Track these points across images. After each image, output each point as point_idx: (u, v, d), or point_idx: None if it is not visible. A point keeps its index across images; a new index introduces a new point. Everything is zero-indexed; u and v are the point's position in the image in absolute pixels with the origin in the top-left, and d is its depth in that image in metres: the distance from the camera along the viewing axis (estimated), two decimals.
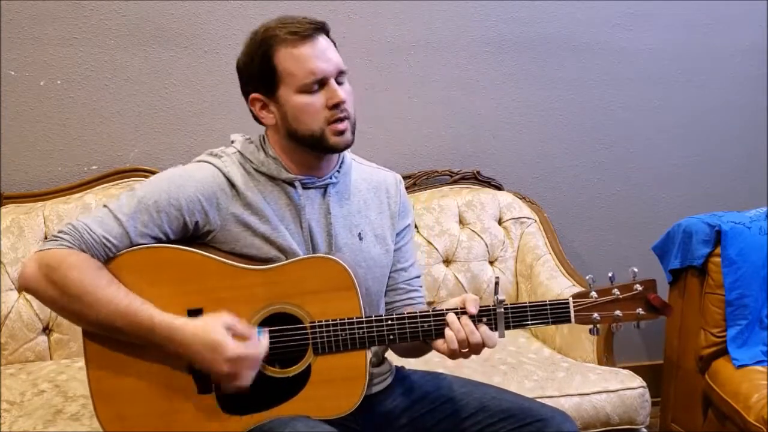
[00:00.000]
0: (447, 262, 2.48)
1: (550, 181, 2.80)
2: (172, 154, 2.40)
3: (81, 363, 2.01)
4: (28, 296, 2.10)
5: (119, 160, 2.37)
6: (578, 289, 2.35)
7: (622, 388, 2.01)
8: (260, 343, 1.29)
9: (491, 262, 2.52)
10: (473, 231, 2.51)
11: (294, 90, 1.34)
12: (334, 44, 1.40)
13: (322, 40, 1.36)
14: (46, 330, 2.13)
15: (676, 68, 2.87)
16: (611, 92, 2.82)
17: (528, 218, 2.58)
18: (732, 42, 2.90)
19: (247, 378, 1.27)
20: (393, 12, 2.54)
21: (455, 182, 2.64)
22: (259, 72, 1.37)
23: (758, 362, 2.14)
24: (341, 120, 1.36)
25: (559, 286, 2.38)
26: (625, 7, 2.77)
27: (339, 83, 1.37)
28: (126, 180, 2.32)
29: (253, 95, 1.40)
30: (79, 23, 2.30)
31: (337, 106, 1.35)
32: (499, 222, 2.57)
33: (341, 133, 1.36)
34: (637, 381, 2.03)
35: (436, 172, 2.64)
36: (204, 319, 1.29)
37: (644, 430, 2.09)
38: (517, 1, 2.67)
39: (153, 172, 2.30)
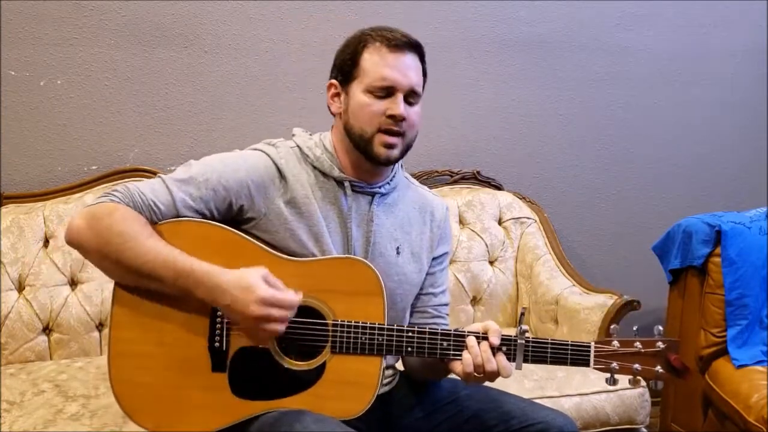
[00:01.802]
0: None
1: (550, 181, 2.80)
2: (172, 154, 2.41)
3: (81, 363, 2.03)
4: (29, 296, 2.10)
5: (119, 160, 2.37)
6: (578, 288, 2.36)
7: (621, 388, 1.99)
8: (294, 294, 1.30)
9: (491, 262, 2.52)
10: (473, 231, 2.52)
11: (362, 88, 1.39)
12: (424, 73, 1.44)
13: (408, 57, 1.40)
14: (46, 330, 2.12)
15: (676, 68, 2.87)
16: (611, 92, 2.82)
17: (528, 218, 2.59)
18: (732, 42, 2.90)
19: (277, 324, 1.28)
20: (393, 12, 2.54)
21: (455, 182, 2.64)
22: (343, 62, 1.43)
23: (758, 362, 2.14)
24: (393, 133, 1.39)
25: (559, 286, 2.38)
26: (625, 7, 2.78)
27: (409, 103, 1.41)
28: (126, 180, 2.30)
29: (332, 81, 1.46)
30: (79, 23, 2.30)
31: (393, 117, 1.38)
32: (499, 222, 2.57)
33: (389, 146, 1.39)
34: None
35: (436, 172, 2.64)
36: (240, 269, 1.31)
37: (644, 430, 2.09)
38: (517, 1, 2.67)
39: (153, 172, 2.30)
